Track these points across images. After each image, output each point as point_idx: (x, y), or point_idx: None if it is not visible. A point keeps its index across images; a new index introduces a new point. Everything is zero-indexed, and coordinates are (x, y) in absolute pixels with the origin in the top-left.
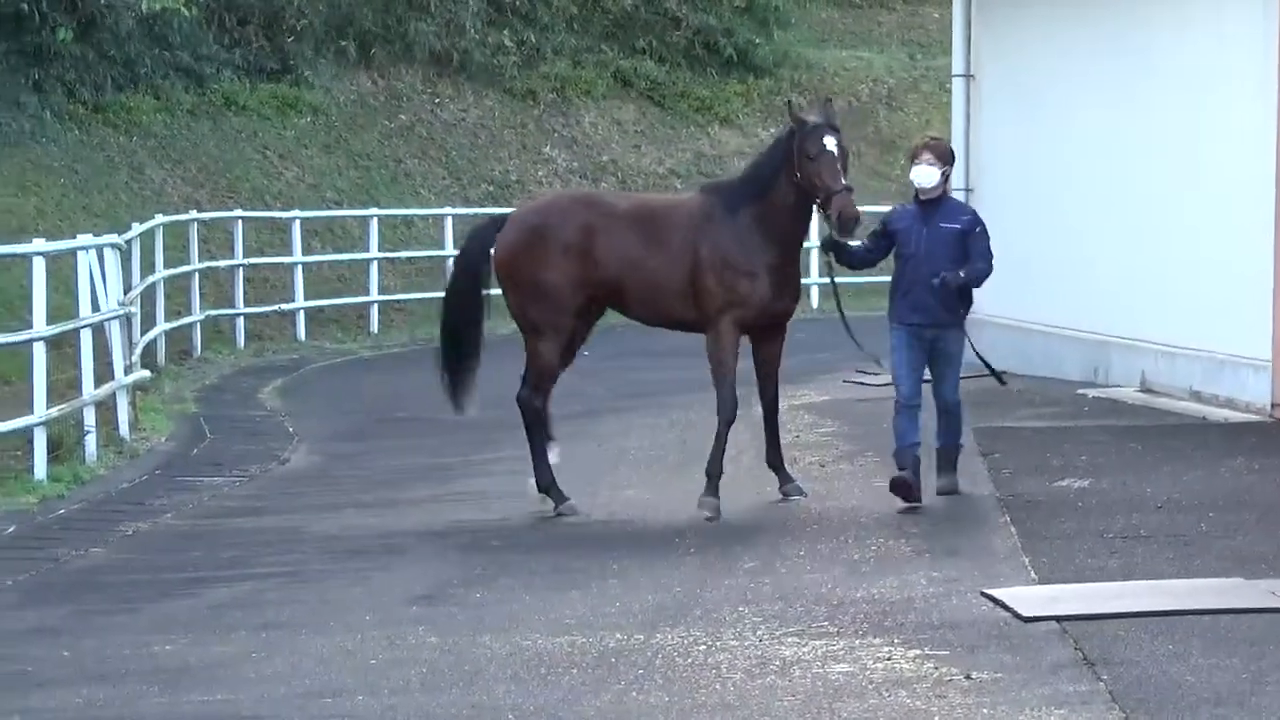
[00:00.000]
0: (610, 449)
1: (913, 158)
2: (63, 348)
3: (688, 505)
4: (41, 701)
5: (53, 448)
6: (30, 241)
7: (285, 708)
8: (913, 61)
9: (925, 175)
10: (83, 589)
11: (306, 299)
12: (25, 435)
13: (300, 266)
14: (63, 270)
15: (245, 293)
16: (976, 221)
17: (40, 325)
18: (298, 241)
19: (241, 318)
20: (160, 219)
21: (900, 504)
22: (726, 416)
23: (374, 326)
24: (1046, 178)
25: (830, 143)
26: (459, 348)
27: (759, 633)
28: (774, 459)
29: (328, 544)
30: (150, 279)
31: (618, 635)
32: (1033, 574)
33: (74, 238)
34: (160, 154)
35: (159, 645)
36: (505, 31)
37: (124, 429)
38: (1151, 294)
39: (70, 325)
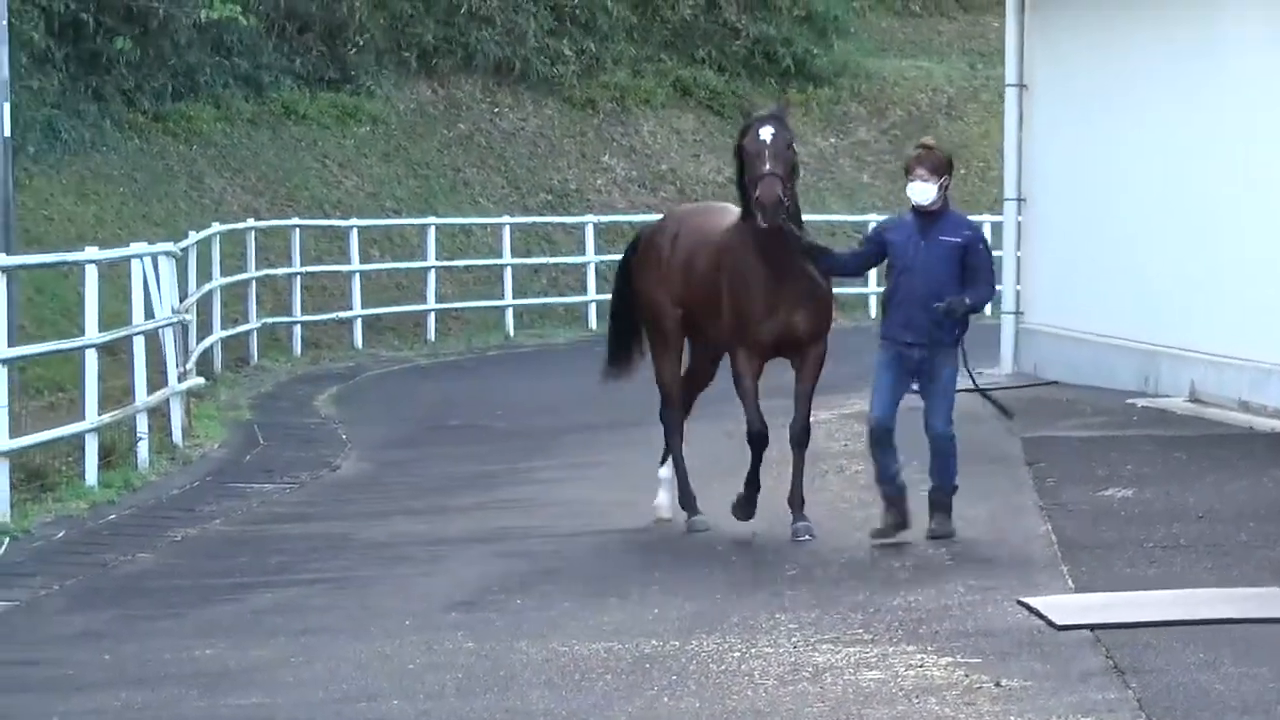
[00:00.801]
0: (654, 457)
1: (906, 171)
2: (120, 355)
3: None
4: (80, 704)
5: (106, 454)
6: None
7: (321, 712)
8: (973, 71)
9: (921, 192)
10: (128, 594)
11: (364, 307)
12: (78, 441)
13: (358, 274)
14: (122, 278)
15: (303, 301)
16: (978, 237)
17: (92, 332)
18: (355, 249)
19: (298, 325)
20: (217, 227)
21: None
22: (750, 434)
23: (431, 334)
24: (1098, 186)
25: (765, 132)
26: (614, 342)
27: (794, 640)
28: (791, 496)
29: (374, 550)
30: (206, 287)
31: (654, 642)
32: (1070, 583)
33: (130, 246)
34: (220, 163)
35: (200, 650)
36: (565, 41)
37: (177, 436)
38: (1201, 303)
39: (123, 332)
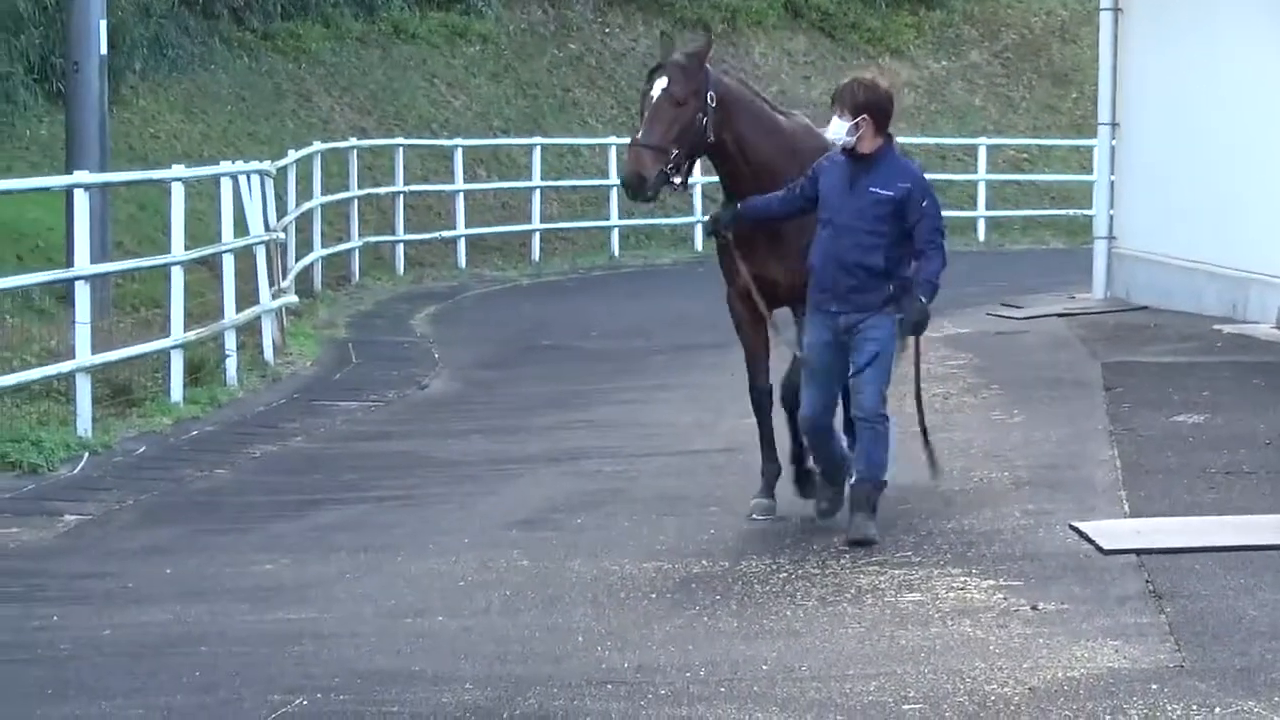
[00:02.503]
0: (739, 379)
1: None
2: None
3: None
4: (133, 617)
5: (195, 371)
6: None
7: (365, 626)
8: None
9: (836, 129)
10: (199, 509)
11: (469, 226)
12: (166, 358)
13: (462, 194)
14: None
15: (408, 220)
16: (920, 190)
17: (178, 250)
18: (460, 169)
19: (401, 244)
20: (318, 145)
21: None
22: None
23: (535, 255)
24: (1192, 111)
25: (656, 86)
26: None
27: (842, 562)
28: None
29: (446, 469)
30: (306, 205)
31: (704, 562)
32: (1126, 507)
33: (233, 163)
34: (328, 81)
35: (259, 565)
36: None
37: (268, 353)
38: None
39: (209, 250)
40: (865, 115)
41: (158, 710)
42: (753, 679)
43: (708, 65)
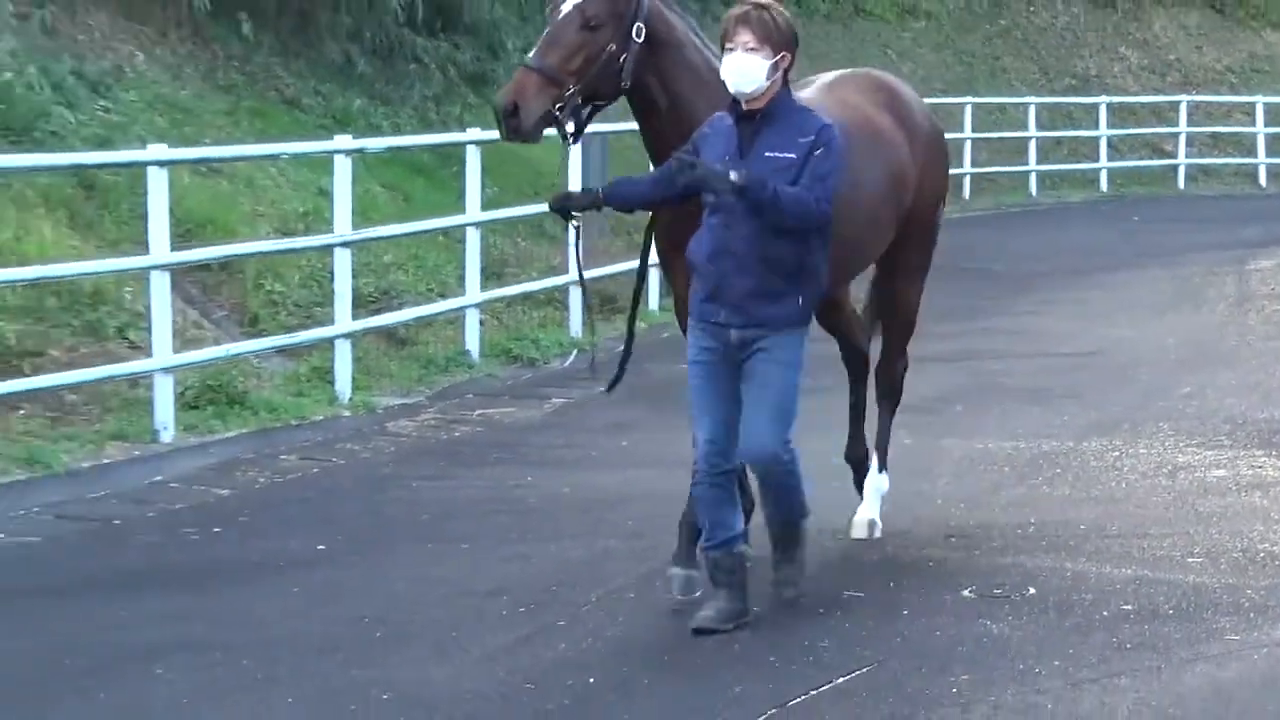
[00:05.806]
0: (1113, 296)
1: (724, 40)
2: None
3: (1159, 343)
4: (589, 479)
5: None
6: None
7: None
8: None
9: (742, 70)
10: (658, 394)
11: None
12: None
13: None
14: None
15: None
16: (824, 142)
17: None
18: None
19: None
20: None
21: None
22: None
23: (965, 194)
24: None
25: (565, 2)
26: None
27: (1166, 444)
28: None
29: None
30: None
31: (1053, 443)
32: None
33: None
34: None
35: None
36: None
37: None
38: None
39: None
40: (786, 53)
41: (596, 550)
42: (1070, 536)
43: None
